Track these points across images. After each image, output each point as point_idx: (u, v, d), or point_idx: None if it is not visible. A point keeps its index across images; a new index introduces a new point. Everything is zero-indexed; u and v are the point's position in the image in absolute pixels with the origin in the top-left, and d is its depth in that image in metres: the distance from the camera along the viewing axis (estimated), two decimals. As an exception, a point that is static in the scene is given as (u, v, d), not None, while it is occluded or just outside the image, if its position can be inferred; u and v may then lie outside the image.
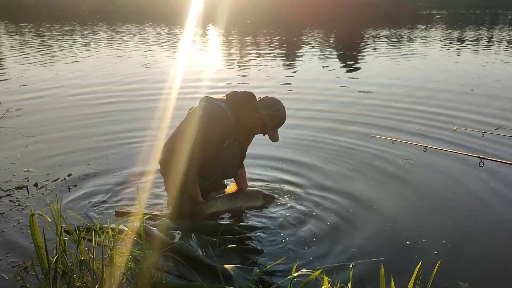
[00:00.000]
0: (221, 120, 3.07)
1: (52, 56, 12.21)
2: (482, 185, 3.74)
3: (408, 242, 2.87)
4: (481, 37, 16.29)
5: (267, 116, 3.09)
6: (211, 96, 3.25)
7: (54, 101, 7.01)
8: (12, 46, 14.60)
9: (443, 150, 4.03)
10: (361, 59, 11.82)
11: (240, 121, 3.14)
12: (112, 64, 10.84)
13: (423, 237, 2.93)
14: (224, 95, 3.25)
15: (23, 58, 11.91)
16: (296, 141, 4.83)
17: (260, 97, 3.24)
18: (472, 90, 7.53)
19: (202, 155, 3.08)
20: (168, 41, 15.87)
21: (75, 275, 1.97)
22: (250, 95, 3.18)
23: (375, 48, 13.50)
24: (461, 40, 15.55)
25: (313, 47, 14.21)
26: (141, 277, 2.15)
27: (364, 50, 13.45)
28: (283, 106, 3.18)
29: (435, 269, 1.88)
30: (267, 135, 3.24)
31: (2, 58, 12.21)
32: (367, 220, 3.17)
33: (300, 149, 4.61)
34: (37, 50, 13.42)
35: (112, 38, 16.53)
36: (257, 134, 3.30)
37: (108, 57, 11.91)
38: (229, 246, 2.72)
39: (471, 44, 14.35)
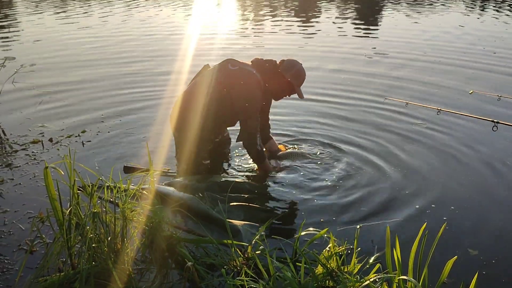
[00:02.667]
0: (259, 85, 3.23)
1: (66, 11, 12.12)
2: (495, 150, 3.69)
3: (417, 207, 2.87)
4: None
5: (292, 77, 3.27)
6: (235, 59, 3.34)
7: (68, 57, 7.02)
8: (25, 0, 14.51)
9: (457, 114, 3.96)
10: (379, 18, 11.51)
11: (266, 87, 3.29)
12: (127, 22, 10.73)
13: (433, 203, 2.92)
14: (250, 61, 3.35)
15: (37, 13, 11.85)
16: (309, 103, 4.80)
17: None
18: (494, 53, 7.31)
19: (258, 121, 3.25)
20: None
21: (88, 227, 2.04)
22: (274, 62, 3.35)
23: (394, 7, 13.10)
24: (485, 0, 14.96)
25: (329, 5, 13.83)
26: (152, 231, 2.22)
27: (383, 8, 13.06)
28: (301, 64, 3.35)
29: (440, 231, 1.90)
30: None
31: (16, 14, 12.16)
32: (377, 183, 3.17)
33: (313, 111, 4.59)
34: (51, 5, 13.31)
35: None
36: (285, 97, 3.45)
37: (123, 15, 11.77)
38: (238, 203, 2.78)
39: (497, 4, 13.81)
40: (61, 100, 4.87)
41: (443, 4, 13.82)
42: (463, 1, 14.77)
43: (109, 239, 2.08)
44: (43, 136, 3.88)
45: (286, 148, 3.72)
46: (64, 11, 12.12)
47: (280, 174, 3.28)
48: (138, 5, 13.57)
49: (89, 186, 2.10)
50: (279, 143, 3.75)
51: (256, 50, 7.46)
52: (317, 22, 10.78)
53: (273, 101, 3.52)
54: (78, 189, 2.09)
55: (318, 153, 3.61)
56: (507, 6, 13.67)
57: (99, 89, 5.28)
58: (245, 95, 3.16)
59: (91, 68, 6.32)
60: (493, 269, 2.30)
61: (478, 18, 11.39)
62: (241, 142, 3.27)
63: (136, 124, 4.20)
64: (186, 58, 6.77)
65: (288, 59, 3.33)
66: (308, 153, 3.60)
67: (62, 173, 2.01)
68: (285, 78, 3.26)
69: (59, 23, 10.20)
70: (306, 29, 9.62)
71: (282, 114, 4.39)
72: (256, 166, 3.32)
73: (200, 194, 2.78)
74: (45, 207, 2.37)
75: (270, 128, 3.65)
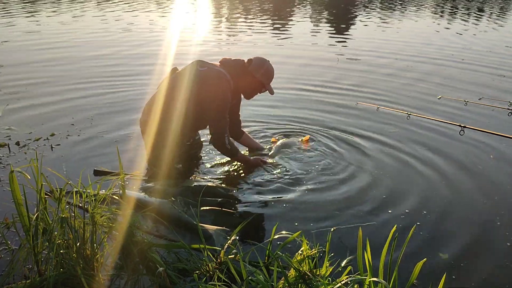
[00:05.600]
0: (228, 85, 3.24)
1: (35, 11, 11.84)
2: (463, 154, 3.79)
3: (389, 211, 2.91)
4: (475, 5, 16.16)
5: (262, 76, 3.33)
6: (203, 60, 3.33)
7: (37, 58, 6.85)
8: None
9: (426, 118, 4.06)
10: (352, 25, 11.69)
11: (236, 86, 3.33)
12: (99, 23, 10.56)
13: (405, 207, 2.95)
14: (218, 62, 3.37)
15: (4, 12, 11.54)
16: (282, 107, 4.83)
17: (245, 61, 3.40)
18: (462, 60, 7.54)
19: (227, 122, 3.29)
20: (157, 1, 15.46)
21: (56, 233, 1.99)
22: (242, 62, 3.38)
23: (367, 14, 13.33)
24: (454, 8, 15.41)
25: (304, 12, 13.97)
26: (123, 237, 2.18)
27: (356, 16, 13.28)
28: (269, 61, 3.42)
29: (410, 234, 1.93)
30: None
31: (-17, 12, 11.81)
32: (350, 187, 3.20)
33: (285, 116, 4.61)
34: (19, 4, 12.98)
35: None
36: (257, 94, 3.52)
37: (94, 16, 11.59)
38: (210, 207, 2.76)
39: (465, 12, 14.24)
40: (30, 102, 4.74)
41: (415, 13, 14.15)
42: (434, 7, 15.16)
43: (78, 245, 2.03)
44: (10, 139, 3.77)
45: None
46: (33, 13, 11.83)
47: (254, 177, 3.28)
48: (112, 7, 13.37)
49: (57, 190, 2.04)
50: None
51: (228, 52, 7.45)
52: (291, 27, 10.86)
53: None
54: (46, 194, 2.03)
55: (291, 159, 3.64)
56: (474, 13, 14.11)
57: (69, 92, 5.17)
58: (215, 96, 3.17)
59: (61, 70, 6.17)
60: (461, 273, 2.35)
61: (448, 24, 11.72)
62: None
63: (107, 127, 4.12)
64: (160, 62, 6.69)
65: (256, 58, 3.38)
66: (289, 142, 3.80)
67: (29, 177, 1.95)
68: (255, 77, 3.31)
69: (28, 25, 9.95)
70: (279, 34, 9.68)
71: (248, 126, 4.41)
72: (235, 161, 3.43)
73: (173, 199, 2.75)
74: (10, 212, 2.30)
75: (241, 124, 3.70)
